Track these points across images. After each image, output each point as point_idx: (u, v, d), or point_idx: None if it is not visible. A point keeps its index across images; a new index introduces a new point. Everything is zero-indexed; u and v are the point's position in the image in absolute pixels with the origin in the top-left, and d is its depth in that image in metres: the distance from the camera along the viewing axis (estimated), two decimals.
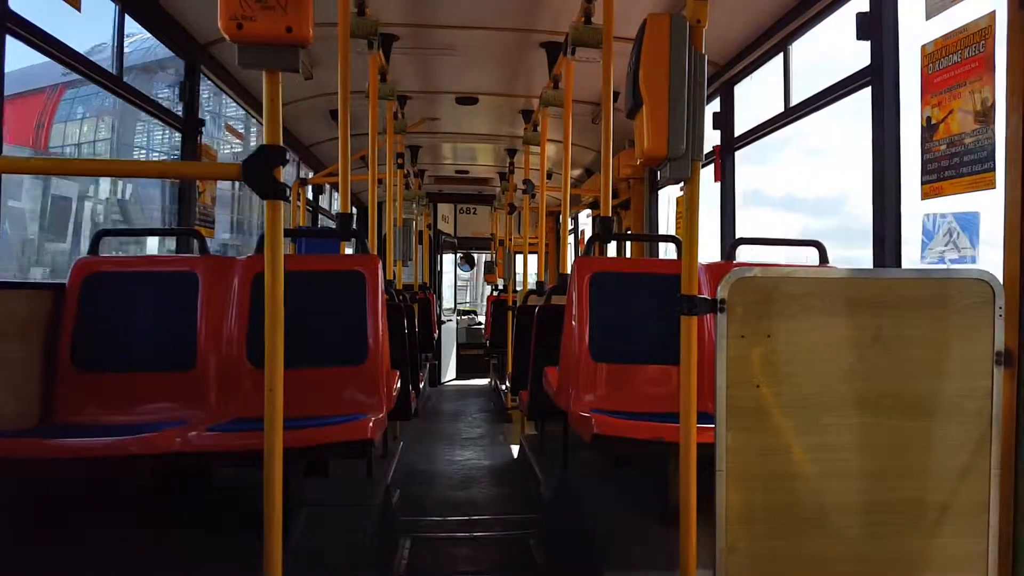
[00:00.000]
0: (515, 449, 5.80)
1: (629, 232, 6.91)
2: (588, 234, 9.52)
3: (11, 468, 2.34)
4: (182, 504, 2.87)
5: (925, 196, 2.71)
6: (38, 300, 2.86)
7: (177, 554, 2.48)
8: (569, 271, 3.41)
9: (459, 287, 15.30)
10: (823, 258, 3.54)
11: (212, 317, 3.03)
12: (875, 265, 3.08)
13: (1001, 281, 1.99)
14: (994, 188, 2.38)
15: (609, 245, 7.54)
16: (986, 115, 2.39)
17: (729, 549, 1.92)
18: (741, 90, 4.81)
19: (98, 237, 3.17)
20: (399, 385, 3.47)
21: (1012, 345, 1.99)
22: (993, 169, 2.38)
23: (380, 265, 3.23)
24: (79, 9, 3.07)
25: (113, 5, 3.67)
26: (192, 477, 2.95)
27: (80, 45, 3.26)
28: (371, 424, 2.48)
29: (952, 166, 2.56)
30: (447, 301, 12.59)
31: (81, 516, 2.66)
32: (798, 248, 3.77)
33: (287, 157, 1.93)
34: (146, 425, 2.58)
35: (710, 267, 3.34)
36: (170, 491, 2.87)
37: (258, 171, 1.80)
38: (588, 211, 9.13)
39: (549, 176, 7.83)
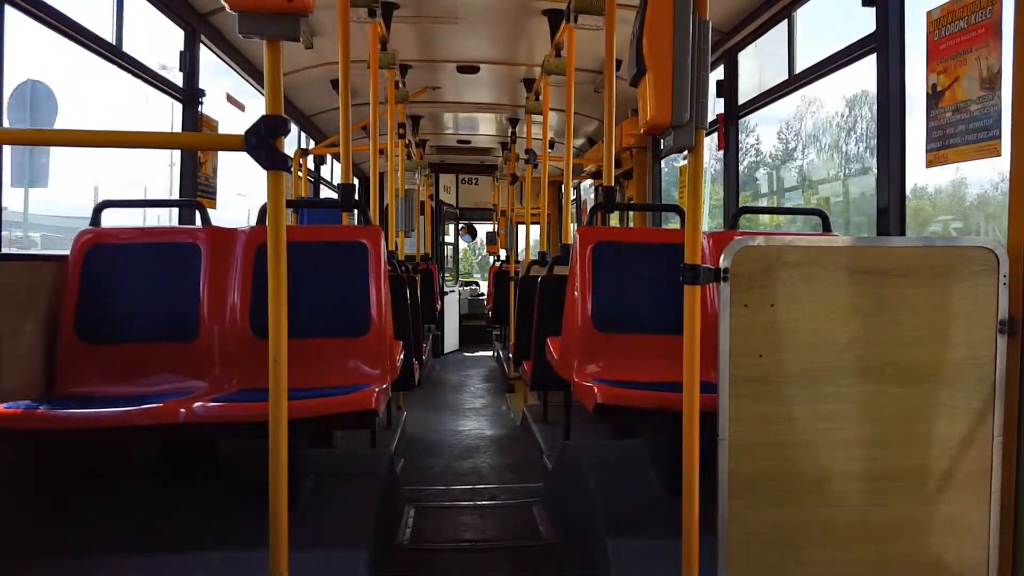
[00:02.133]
0: (518, 419, 5.84)
1: (632, 202, 6.88)
2: (591, 204, 9.47)
3: (16, 439, 2.35)
4: (187, 474, 2.88)
5: (929, 164, 2.69)
6: (41, 272, 2.86)
7: (183, 524, 2.50)
8: (571, 241, 3.40)
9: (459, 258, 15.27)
10: (826, 226, 3.53)
11: (215, 288, 3.03)
12: (879, 234, 3.07)
13: (1006, 249, 1.99)
14: (999, 156, 2.37)
15: (612, 215, 7.52)
16: (992, 82, 2.37)
17: (732, 517, 1.94)
18: (745, 57, 4.75)
19: (99, 208, 3.16)
20: (402, 356, 3.48)
21: (1016, 313, 1.98)
22: (999, 136, 2.36)
23: (382, 236, 3.22)
24: None
25: None
26: (197, 447, 2.96)
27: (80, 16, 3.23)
28: (375, 395, 2.49)
29: (957, 133, 2.54)
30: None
31: (86, 487, 2.68)
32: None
33: (290, 124, 1.91)
34: (151, 396, 2.59)
35: (713, 236, 3.33)
36: (175, 461, 2.88)
37: (260, 142, 1.79)
38: (591, 181, 9.08)
39: (551, 146, 7.77)
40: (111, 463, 2.82)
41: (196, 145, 4.10)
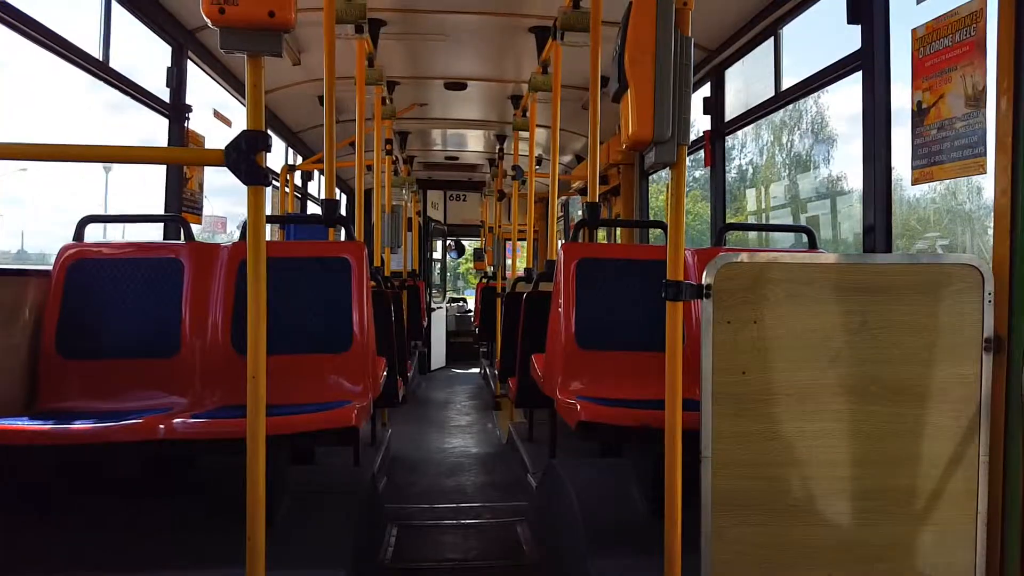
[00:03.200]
0: (504, 437, 5.78)
1: (619, 218, 6.88)
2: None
3: None
4: (167, 491, 2.86)
5: (915, 181, 2.69)
6: (23, 286, 2.85)
7: (161, 541, 2.47)
8: (556, 257, 3.38)
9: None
10: (812, 243, 3.53)
11: (197, 304, 3.02)
12: (865, 251, 3.06)
13: (990, 266, 1.98)
14: (985, 173, 2.36)
15: (601, 231, 7.53)
16: (977, 99, 2.37)
17: (715, 535, 1.92)
18: (732, 74, 4.77)
19: (83, 223, 3.15)
20: (386, 372, 3.45)
21: (1001, 331, 1.97)
22: (984, 154, 2.36)
23: (365, 252, 3.21)
24: None
25: None
26: (178, 464, 2.94)
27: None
28: (355, 411, 2.46)
29: (943, 151, 2.54)
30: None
31: (66, 502, 2.64)
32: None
33: (273, 143, 1.90)
34: (131, 412, 2.57)
35: (698, 252, 3.32)
36: (155, 478, 2.86)
37: (240, 157, 1.78)
38: (580, 197, 9.09)
39: (539, 162, 7.79)
40: (90, 479, 2.79)
41: (177, 160, 4.10)
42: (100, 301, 2.97)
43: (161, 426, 2.33)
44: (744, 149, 7.19)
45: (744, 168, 7.22)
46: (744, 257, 1.95)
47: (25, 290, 2.85)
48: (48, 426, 2.34)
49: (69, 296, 2.94)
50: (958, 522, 1.98)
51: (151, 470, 2.87)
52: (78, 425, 2.33)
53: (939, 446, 1.98)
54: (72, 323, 2.91)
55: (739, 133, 4.90)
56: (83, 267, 2.99)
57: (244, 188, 1.83)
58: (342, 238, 3.48)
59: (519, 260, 8.10)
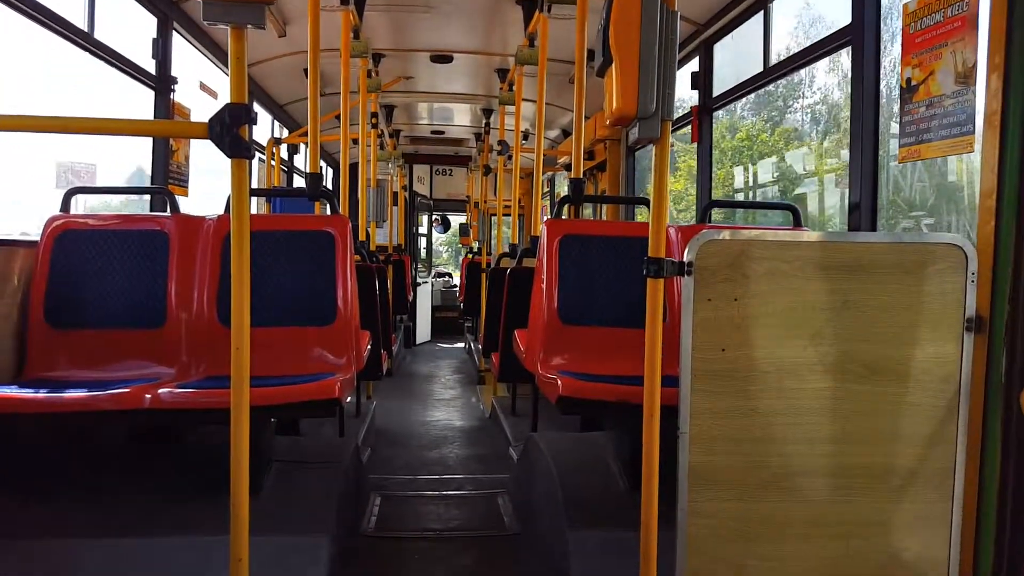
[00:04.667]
0: (487, 411, 5.80)
1: (605, 194, 6.84)
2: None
3: None
4: (154, 459, 2.89)
5: (902, 159, 2.67)
6: (11, 257, 2.87)
7: (146, 509, 2.50)
8: (539, 233, 3.36)
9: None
10: (797, 221, 3.51)
11: (182, 276, 3.04)
12: (850, 229, 3.05)
13: (974, 246, 1.96)
14: (973, 152, 2.34)
15: (587, 208, 7.50)
16: (967, 76, 2.34)
17: (691, 510, 1.92)
18: (721, 48, 4.71)
19: (69, 194, 3.17)
20: (370, 346, 3.46)
21: (983, 311, 1.96)
22: (973, 132, 2.33)
23: (349, 226, 3.21)
24: None
25: None
26: (164, 433, 2.98)
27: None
28: (338, 383, 2.48)
29: (931, 128, 2.51)
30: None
31: (54, 470, 2.67)
32: None
33: (259, 115, 1.87)
34: (118, 382, 2.59)
35: (682, 229, 3.31)
36: (141, 447, 2.89)
37: (223, 130, 1.78)
38: (565, 172, 9.04)
39: (525, 137, 7.73)
40: (75, 448, 2.83)
41: (160, 132, 4.11)
42: (87, 272, 3.00)
43: (147, 395, 2.36)
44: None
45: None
46: (726, 235, 1.93)
47: (12, 260, 2.86)
48: (36, 394, 2.38)
49: (56, 267, 2.97)
50: (934, 501, 1.99)
51: (139, 439, 2.91)
52: (66, 393, 2.37)
53: (918, 425, 1.98)
54: (60, 293, 2.94)
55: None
56: (70, 238, 3.02)
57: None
58: (327, 212, 3.46)
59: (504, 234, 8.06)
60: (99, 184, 4.19)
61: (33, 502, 2.51)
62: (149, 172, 4.40)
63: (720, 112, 4.94)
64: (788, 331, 1.94)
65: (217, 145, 1.79)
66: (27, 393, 2.38)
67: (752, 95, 4.62)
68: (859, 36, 2.95)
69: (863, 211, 2.96)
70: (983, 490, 1.98)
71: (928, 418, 1.98)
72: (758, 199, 6.41)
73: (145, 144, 4.42)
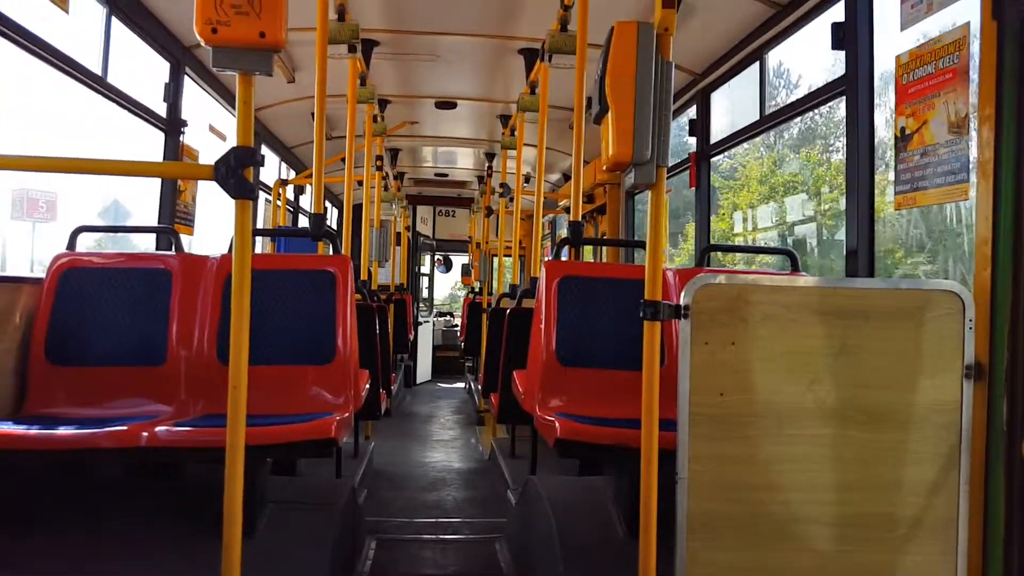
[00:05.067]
0: (487, 452, 5.74)
1: (605, 236, 6.89)
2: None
3: None
4: (149, 496, 2.88)
5: (898, 206, 2.70)
6: (15, 294, 2.89)
7: (140, 547, 2.48)
8: (539, 274, 3.38)
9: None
10: (795, 266, 3.53)
11: (184, 314, 3.06)
12: (847, 275, 3.06)
13: (971, 293, 1.97)
14: (967, 200, 2.37)
15: (587, 251, 7.54)
16: (960, 126, 2.38)
17: (690, 559, 1.89)
18: (718, 97, 4.80)
19: (76, 233, 3.21)
20: (369, 385, 3.46)
21: (982, 359, 1.96)
22: (967, 180, 2.36)
23: (351, 265, 3.24)
24: (67, 11, 3.12)
25: (101, 8, 3.67)
26: (162, 471, 2.97)
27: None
28: (335, 423, 2.48)
29: (926, 176, 2.54)
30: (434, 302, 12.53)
31: (49, 507, 2.66)
32: None
33: (267, 157, 1.92)
34: (116, 419, 2.60)
35: (679, 272, 3.33)
36: (138, 484, 2.89)
37: (229, 172, 1.82)
38: (565, 215, 9.12)
39: (527, 180, 7.82)
40: (72, 485, 2.81)
41: (168, 174, 4.18)
42: (90, 309, 3.02)
43: (144, 433, 2.36)
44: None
45: None
46: (723, 279, 1.94)
47: (17, 297, 2.89)
48: (34, 431, 2.38)
49: (60, 304, 2.99)
50: (939, 552, 1.96)
51: (135, 474, 2.90)
52: (63, 431, 2.37)
53: (920, 473, 1.96)
54: (62, 330, 2.96)
55: None
56: (75, 276, 3.05)
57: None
58: (330, 251, 3.50)
59: (505, 275, 8.10)
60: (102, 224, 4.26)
61: (27, 538, 2.49)
62: (124, 204, 4.47)
63: (763, 149, 4.94)
64: (786, 376, 1.94)
65: (222, 187, 1.83)
66: (25, 430, 2.39)
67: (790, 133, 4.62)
68: (853, 87, 3.01)
69: (860, 257, 2.98)
70: (987, 541, 1.95)
71: (930, 466, 1.96)
72: (825, 230, 6.38)
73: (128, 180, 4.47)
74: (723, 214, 8.22)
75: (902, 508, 1.96)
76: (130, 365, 2.97)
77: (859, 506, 1.96)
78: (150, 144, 4.32)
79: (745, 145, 4.99)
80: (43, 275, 3.05)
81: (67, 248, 3.17)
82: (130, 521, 2.66)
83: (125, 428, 2.38)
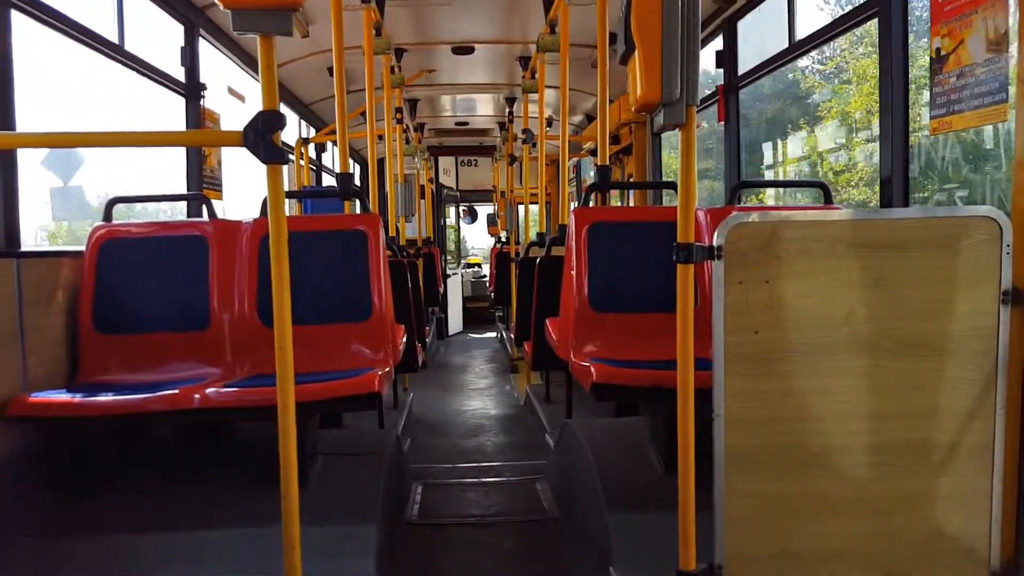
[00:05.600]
0: (521, 398, 5.85)
1: (631, 179, 6.81)
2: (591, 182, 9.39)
3: (42, 427, 2.52)
4: (203, 457, 2.99)
5: (934, 131, 2.63)
6: (59, 267, 2.97)
7: (199, 504, 2.59)
8: (568, 221, 3.37)
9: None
10: (827, 198, 3.48)
11: (223, 278, 3.12)
12: (882, 203, 3.01)
13: (1009, 218, 1.94)
14: (1006, 120, 2.30)
15: (616, 193, 7.47)
16: (999, 43, 2.29)
17: (728, 491, 1.93)
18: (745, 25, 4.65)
19: (111, 204, 3.27)
20: (405, 339, 3.53)
21: (1020, 283, 1.94)
22: (1006, 100, 2.29)
23: (381, 223, 3.27)
24: None
25: None
26: (212, 431, 3.08)
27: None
28: (377, 377, 2.54)
29: (963, 99, 2.47)
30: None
31: (106, 471, 2.77)
32: None
33: (286, 118, 1.92)
34: (167, 383, 2.69)
35: (711, 212, 3.30)
36: (191, 445, 3.00)
37: (257, 137, 1.82)
38: (590, 158, 9.00)
39: (549, 124, 7.71)
40: (130, 448, 2.93)
41: (196, 142, 4.22)
42: (132, 278, 3.09)
43: (196, 395, 2.45)
44: None
45: None
46: (755, 217, 1.93)
47: (59, 271, 2.96)
48: (90, 398, 2.47)
49: (102, 275, 3.06)
50: (974, 475, 1.98)
51: (187, 438, 3.00)
52: (118, 397, 2.46)
53: (955, 399, 1.97)
54: (106, 300, 3.03)
55: None
56: (113, 246, 3.12)
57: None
58: (357, 210, 3.51)
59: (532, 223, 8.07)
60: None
61: (90, 500, 2.61)
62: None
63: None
64: (821, 311, 1.94)
65: (252, 152, 1.83)
66: (81, 397, 2.48)
67: None
68: (885, 8, 2.90)
69: (895, 185, 2.92)
70: (1023, 463, 1.96)
71: (966, 392, 1.97)
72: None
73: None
74: (827, 124, 7.71)
75: (938, 434, 1.98)
76: (175, 331, 3.05)
77: (895, 434, 1.98)
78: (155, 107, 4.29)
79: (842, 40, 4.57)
80: (82, 248, 3.12)
81: (103, 219, 3.22)
82: (185, 480, 2.77)
83: (177, 391, 2.47)
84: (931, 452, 1.98)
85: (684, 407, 1.91)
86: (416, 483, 3.74)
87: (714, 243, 1.89)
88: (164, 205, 6.10)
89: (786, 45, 3.99)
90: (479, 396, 6.45)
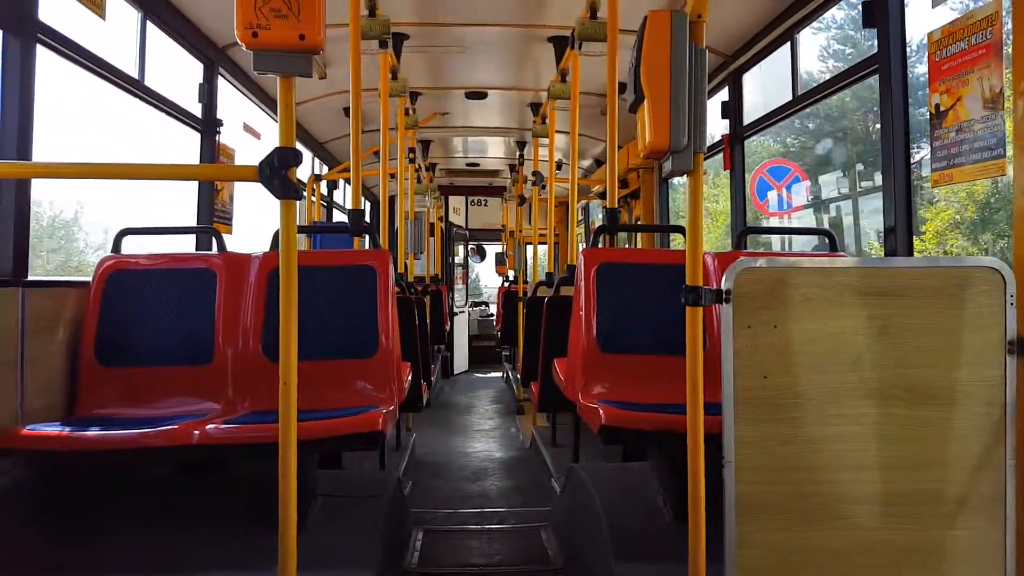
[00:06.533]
0: (527, 441, 5.81)
1: (639, 221, 6.89)
2: (599, 224, 9.49)
3: (37, 459, 2.46)
4: (199, 494, 2.92)
5: (935, 183, 2.70)
6: (64, 298, 2.95)
7: (194, 544, 2.53)
8: (576, 262, 3.41)
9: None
10: (832, 246, 3.53)
11: (229, 312, 3.10)
12: (886, 253, 3.06)
13: (1012, 268, 1.98)
14: (1005, 175, 2.36)
15: (620, 235, 7.55)
16: (995, 102, 2.37)
17: (739, 541, 1.92)
18: (750, 78, 4.78)
19: (120, 236, 3.26)
20: (410, 377, 3.50)
21: None
22: (1004, 155, 2.36)
23: (390, 259, 3.27)
24: (103, 17, 3.18)
25: (137, 12, 3.76)
26: (210, 468, 3.00)
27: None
28: (381, 416, 2.52)
29: (962, 153, 2.54)
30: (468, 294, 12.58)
31: (100, 506, 2.72)
32: None
33: (303, 155, 1.96)
34: (166, 418, 2.66)
35: (718, 256, 3.33)
36: (188, 482, 2.93)
37: (273, 172, 1.85)
38: (599, 200, 9.12)
39: (559, 167, 7.83)
40: (125, 482, 2.87)
41: (212, 176, 4.23)
42: (137, 311, 3.06)
43: (195, 431, 2.41)
44: None
45: None
46: (763, 262, 1.96)
47: (64, 300, 2.94)
48: (87, 432, 2.43)
49: (107, 306, 3.04)
50: (986, 528, 1.96)
51: (184, 474, 2.94)
52: (115, 431, 2.42)
53: (964, 450, 1.97)
54: (110, 332, 3.00)
55: None
56: (121, 278, 3.10)
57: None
58: (366, 245, 3.54)
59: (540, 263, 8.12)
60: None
61: (81, 538, 2.55)
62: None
63: None
64: (829, 357, 1.95)
65: (267, 188, 1.86)
66: (78, 431, 2.44)
67: None
68: (885, 64, 2.99)
69: (898, 235, 2.98)
70: None
71: (975, 442, 1.97)
72: None
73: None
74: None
75: (948, 485, 1.97)
76: (178, 364, 3.01)
77: (905, 484, 1.97)
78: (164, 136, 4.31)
79: None
80: (88, 278, 3.10)
81: (112, 251, 3.21)
82: (180, 518, 2.70)
83: (176, 427, 2.43)
84: (941, 503, 1.97)
85: (694, 454, 1.91)
86: (416, 528, 3.66)
87: (722, 287, 1.93)
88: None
89: (789, 98, 4.10)
90: (484, 438, 6.38)
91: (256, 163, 1.88)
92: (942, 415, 1.97)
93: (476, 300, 14.43)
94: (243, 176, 1.92)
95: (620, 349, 3.12)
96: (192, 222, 4.47)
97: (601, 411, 2.51)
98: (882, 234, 3.13)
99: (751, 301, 1.93)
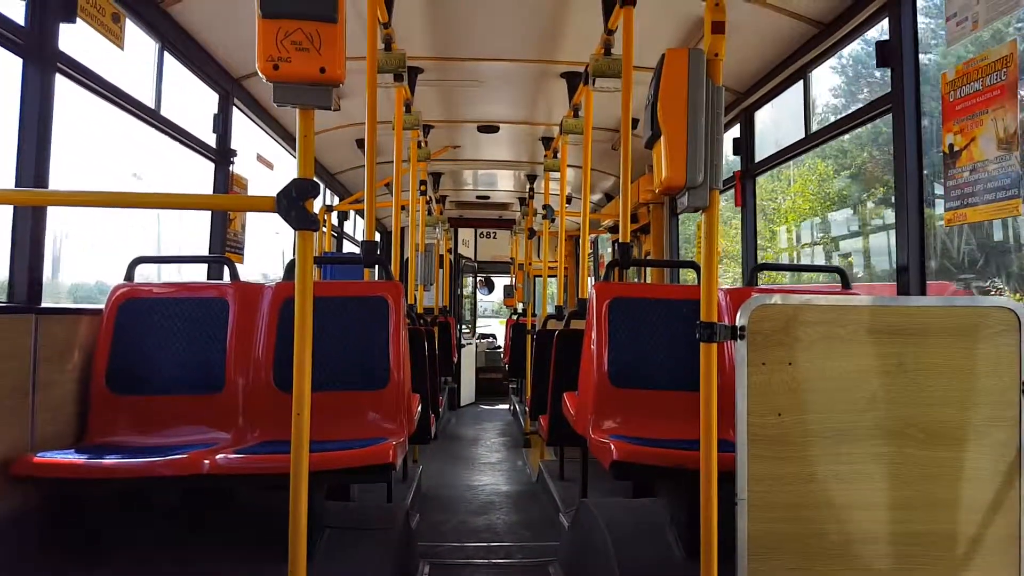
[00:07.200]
0: (534, 475, 5.76)
1: (649, 257, 6.91)
2: (609, 258, 9.52)
3: (47, 487, 2.45)
4: (207, 525, 2.92)
5: (949, 222, 2.70)
6: (77, 325, 2.96)
7: (202, 572, 2.51)
8: (588, 296, 3.42)
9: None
10: (845, 283, 3.52)
11: (241, 341, 3.11)
12: (899, 291, 3.05)
13: None
14: (1019, 215, 2.37)
15: (631, 269, 7.56)
16: (1009, 142, 2.38)
17: None
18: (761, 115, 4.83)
19: (134, 264, 3.29)
20: (419, 409, 3.49)
21: None
22: (1018, 196, 2.37)
23: (403, 291, 3.28)
24: (122, 47, 3.24)
25: (155, 43, 3.83)
26: (219, 497, 3.01)
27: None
28: (392, 448, 2.51)
29: (976, 192, 2.55)
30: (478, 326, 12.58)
31: (111, 534, 2.71)
32: None
33: (319, 187, 1.98)
34: (176, 447, 2.65)
35: (731, 292, 3.33)
36: (197, 511, 2.92)
37: (290, 203, 1.85)
38: (609, 235, 9.15)
39: (569, 201, 7.87)
40: (134, 511, 2.86)
41: (228, 206, 4.28)
42: (149, 338, 3.07)
43: (206, 461, 2.41)
44: None
45: None
46: (777, 299, 1.97)
47: (77, 328, 2.96)
48: (95, 460, 2.43)
49: (120, 334, 3.05)
50: (1000, 569, 1.94)
51: (193, 504, 2.93)
52: (125, 459, 2.41)
53: (979, 490, 1.95)
54: (122, 360, 3.01)
55: None
56: (133, 306, 3.11)
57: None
58: (376, 277, 3.54)
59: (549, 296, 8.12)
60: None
61: (91, 566, 2.54)
62: None
63: None
64: (843, 395, 1.95)
65: (284, 218, 1.86)
66: (88, 459, 2.44)
67: None
68: (899, 104, 3.02)
69: (912, 274, 2.97)
70: None
71: (989, 483, 1.95)
72: None
73: None
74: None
75: (962, 526, 1.95)
76: (189, 393, 3.01)
77: (919, 524, 1.95)
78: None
79: None
80: (102, 306, 3.12)
81: (125, 279, 3.24)
82: (188, 548, 2.69)
83: (186, 456, 2.42)
84: (956, 545, 1.95)
85: (707, 491, 1.90)
86: (423, 562, 3.63)
87: (737, 323, 1.93)
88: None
89: (802, 135, 4.13)
90: (490, 471, 6.34)
91: (267, 193, 1.89)
92: (956, 455, 1.96)
93: (483, 333, 14.43)
94: (260, 207, 1.93)
95: (631, 384, 3.11)
96: (197, 250, 4.50)
97: (613, 446, 2.50)
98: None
99: (765, 338, 1.93)
